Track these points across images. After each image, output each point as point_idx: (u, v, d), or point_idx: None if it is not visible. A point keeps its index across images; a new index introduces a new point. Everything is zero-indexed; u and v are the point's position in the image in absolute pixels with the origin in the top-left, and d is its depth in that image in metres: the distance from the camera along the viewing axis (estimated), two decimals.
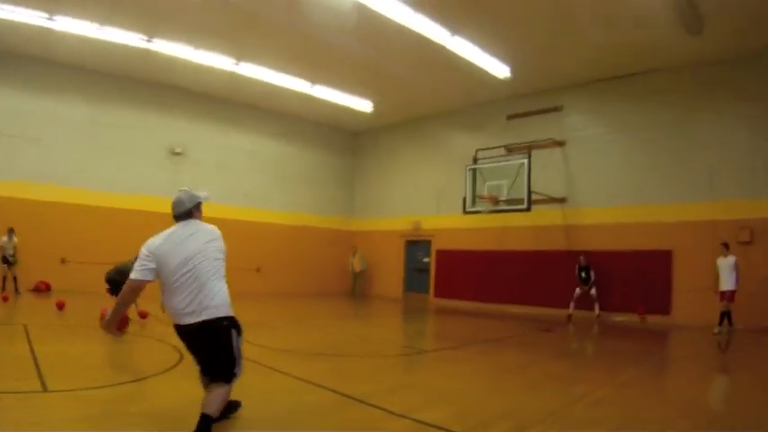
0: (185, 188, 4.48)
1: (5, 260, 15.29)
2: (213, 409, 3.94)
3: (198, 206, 4.42)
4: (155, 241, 4.13)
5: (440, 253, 20.56)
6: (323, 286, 22.69)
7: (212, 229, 4.36)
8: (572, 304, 15.66)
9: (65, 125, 17.08)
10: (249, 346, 7.39)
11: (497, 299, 17.98)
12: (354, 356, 8.50)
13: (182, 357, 6.88)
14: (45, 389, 5.34)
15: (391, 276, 22.53)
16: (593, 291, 15.66)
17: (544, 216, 16.91)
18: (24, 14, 13.64)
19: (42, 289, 16.12)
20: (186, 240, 4.11)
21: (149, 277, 4.05)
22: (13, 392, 5.07)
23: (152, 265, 4.02)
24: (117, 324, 4.64)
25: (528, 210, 15.64)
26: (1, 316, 11.17)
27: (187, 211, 4.33)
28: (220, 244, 4.31)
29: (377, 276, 23.07)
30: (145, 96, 18.82)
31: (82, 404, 4.97)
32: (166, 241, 4.10)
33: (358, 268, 22.60)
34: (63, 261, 16.46)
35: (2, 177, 15.84)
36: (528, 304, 17.16)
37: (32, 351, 7.18)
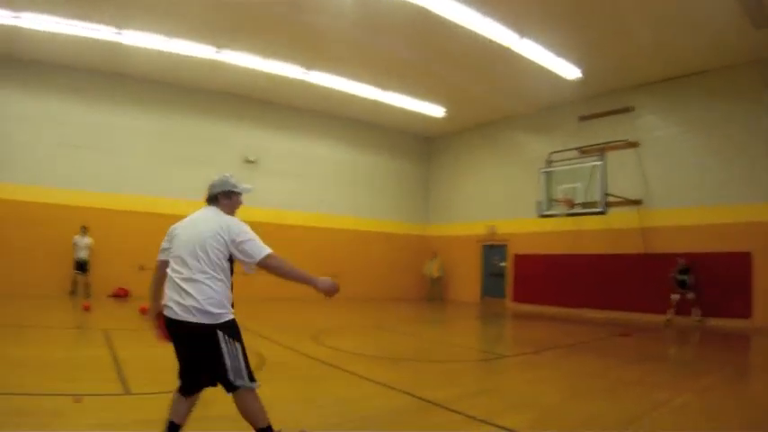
0: (227, 173, 4.27)
1: (79, 266, 15.96)
2: None
3: (227, 194, 4.10)
4: (177, 224, 3.99)
5: (516, 257, 20.36)
6: (399, 291, 22.85)
7: (226, 220, 3.87)
8: (670, 311, 15.02)
9: (139, 137, 18.00)
10: (329, 351, 7.66)
11: (574, 303, 17.70)
12: (434, 361, 8.58)
13: (262, 361, 7.17)
14: (127, 391, 5.63)
15: (468, 281, 22.47)
16: (690, 294, 14.87)
17: (619, 218, 16.57)
18: (95, 30, 14.38)
19: (121, 295, 16.88)
20: (193, 225, 3.85)
21: (161, 257, 3.95)
22: (96, 394, 5.34)
23: (166, 245, 3.92)
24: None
25: (603, 213, 15.42)
26: (81, 321, 11.62)
27: (213, 196, 4.08)
28: (227, 238, 3.72)
29: (453, 281, 23.02)
30: (217, 106, 19.55)
31: (163, 407, 5.20)
32: (182, 225, 3.94)
33: (437, 274, 22.62)
34: (141, 268, 17.20)
35: (82, 188, 16.83)
36: (605, 308, 16.81)
37: (114, 355, 7.54)
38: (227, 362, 3.58)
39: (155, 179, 17.83)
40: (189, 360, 3.76)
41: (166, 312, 3.62)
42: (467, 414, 5.16)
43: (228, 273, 3.73)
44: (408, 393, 5.98)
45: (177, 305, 3.54)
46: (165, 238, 3.97)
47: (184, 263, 3.64)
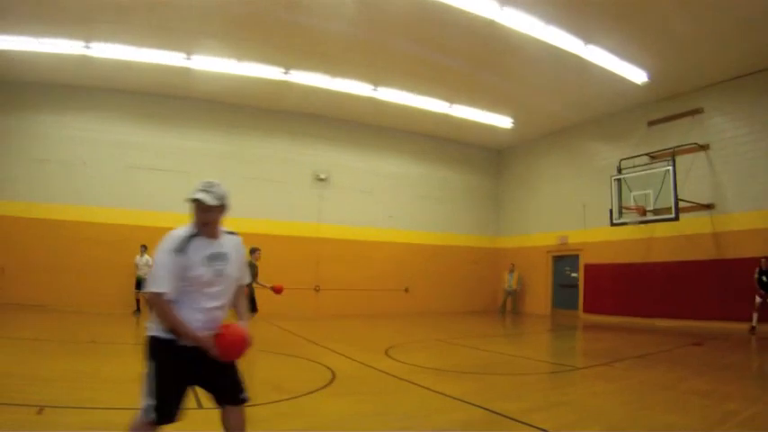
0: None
1: (138, 285, 16.39)
2: None
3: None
4: None
5: (588, 267, 20.12)
6: (470, 304, 22.93)
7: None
8: (755, 315, 14.47)
9: (209, 158, 18.83)
10: (400, 365, 7.84)
11: (646, 312, 17.34)
12: (504, 374, 8.64)
13: (333, 377, 7.40)
14: (200, 406, 5.78)
15: (539, 293, 22.36)
16: None
17: (691, 224, 16.21)
18: (164, 56, 15.24)
19: None
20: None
21: None
22: None
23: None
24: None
25: (676, 219, 15.15)
26: None
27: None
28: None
29: (524, 293, 22.91)
30: (286, 126, 20.23)
31: None
32: None
33: (515, 287, 22.54)
34: None
35: (152, 209, 17.65)
36: (677, 317, 16.41)
37: None
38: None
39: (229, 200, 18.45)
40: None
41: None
42: (538, 427, 5.23)
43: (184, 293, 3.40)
44: (479, 406, 6.09)
45: None
46: None
47: None
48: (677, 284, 16.75)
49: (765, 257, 14.56)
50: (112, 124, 17.92)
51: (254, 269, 10.90)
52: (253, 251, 11.16)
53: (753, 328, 14.44)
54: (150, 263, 16.32)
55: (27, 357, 8.34)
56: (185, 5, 12.78)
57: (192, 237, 3.49)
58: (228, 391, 3.58)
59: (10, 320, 13.21)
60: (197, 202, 3.48)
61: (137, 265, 16.57)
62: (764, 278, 14.50)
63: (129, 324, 13.86)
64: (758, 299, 14.48)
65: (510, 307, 22.55)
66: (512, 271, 22.83)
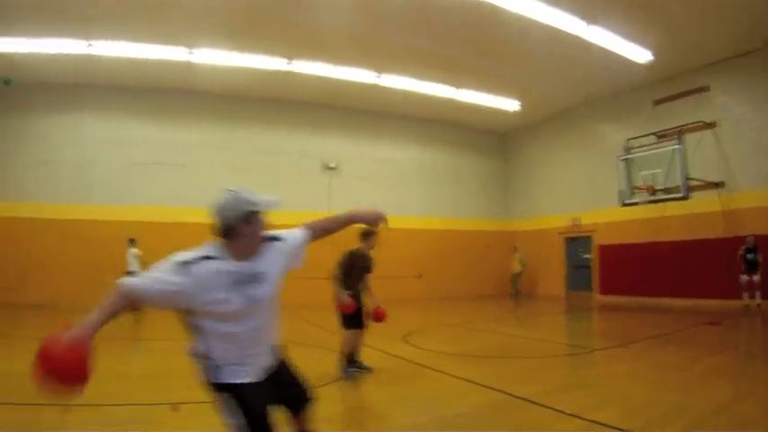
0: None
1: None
2: None
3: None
4: None
5: (601, 248, 20.16)
6: (483, 288, 23.02)
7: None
8: (745, 294, 14.77)
9: (216, 151, 19.12)
10: (418, 351, 7.95)
11: (661, 292, 17.41)
12: (521, 357, 8.74)
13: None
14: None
15: (552, 275, 22.46)
16: (756, 276, 14.60)
17: (701, 203, 16.21)
18: (169, 52, 15.45)
19: None
20: None
21: None
22: (194, 402, 5.46)
23: None
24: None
25: (686, 198, 15.18)
26: (174, 333, 11.93)
27: None
28: None
29: (537, 276, 23.03)
30: (292, 117, 20.37)
31: None
32: None
33: (518, 269, 22.60)
34: None
35: (161, 203, 18.10)
36: (692, 296, 16.48)
37: None
38: None
39: None
40: None
41: None
42: (556, 409, 5.33)
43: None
44: (496, 389, 6.21)
45: None
46: None
47: None
48: (690, 263, 16.78)
49: (752, 235, 15.00)
50: (118, 122, 18.15)
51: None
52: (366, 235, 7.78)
53: (746, 306, 14.76)
54: (138, 254, 16.26)
55: None
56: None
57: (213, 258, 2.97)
58: (300, 396, 3.36)
59: (27, 320, 13.39)
60: (260, 214, 3.07)
61: (127, 260, 16.48)
62: (749, 256, 14.85)
63: (139, 320, 13.92)
64: (743, 277, 14.86)
65: (518, 290, 22.60)
66: (515, 252, 22.95)
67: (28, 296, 16.18)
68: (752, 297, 14.72)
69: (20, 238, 16.73)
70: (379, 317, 7.62)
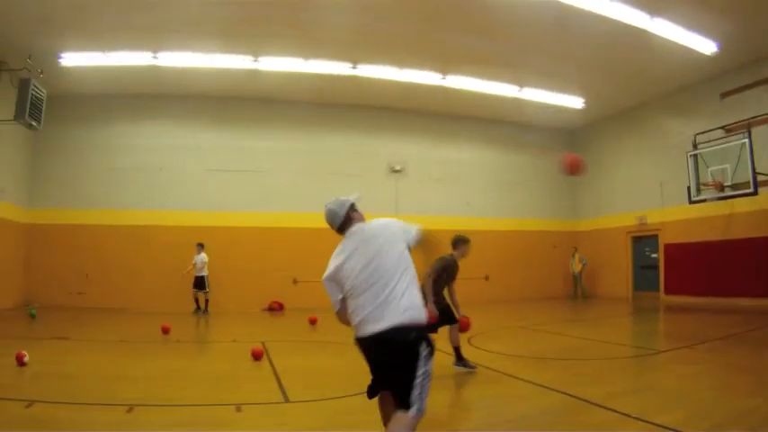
0: (331, 200, 4.02)
1: (198, 283, 16.90)
2: None
3: (353, 207, 3.96)
4: (330, 265, 3.76)
5: (668, 247, 19.62)
6: (548, 290, 22.73)
7: (384, 222, 3.83)
8: None
9: (285, 156, 19.61)
10: (483, 353, 8.02)
11: (729, 291, 16.78)
12: (585, 360, 8.71)
13: None
14: (286, 399, 6.18)
15: (618, 275, 21.98)
16: None
17: None
18: (232, 60, 15.92)
19: (276, 308, 18.09)
20: (361, 246, 3.65)
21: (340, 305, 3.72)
22: (258, 403, 5.94)
23: (338, 291, 3.70)
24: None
25: (755, 193, 14.72)
26: (237, 335, 12.06)
27: (347, 218, 3.87)
28: (398, 230, 3.77)
29: (603, 276, 22.64)
30: (358, 120, 20.70)
31: (321, 413, 5.64)
32: (338, 258, 3.71)
33: (578, 269, 22.34)
34: (295, 282, 18.28)
35: (232, 209, 18.68)
36: (761, 296, 15.81)
37: (272, 365, 8.22)
38: (419, 381, 3.36)
39: (302, 196, 18.97)
40: (385, 375, 3.59)
41: (366, 331, 3.46)
42: (621, 412, 5.30)
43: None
44: (561, 392, 6.21)
45: (383, 316, 3.40)
46: (329, 290, 3.76)
47: (378, 274, 3.50)
48: (760, 261, 16.15)
49: None
50: (185, 130, 18.92)
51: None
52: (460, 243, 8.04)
53: None
54: (206, 260, 16.84)
55: (114, 358, 8.82)
56: (249, 7, 13.25)
57: None
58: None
59: (95, 323, 13.92)
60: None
61: (195, 265, 16.99)
62: None
63: (207, 324, 14.31)
64: None
65: (578, 290, 22.39)
66: (574, 254, 22.66)
67: (94, 300, 17.01)
68: None
69: (89, 244, 17.63)
70: (463, 327, 7.82)
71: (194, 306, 17.08)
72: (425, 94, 19.03)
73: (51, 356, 8.69)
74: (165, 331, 11.72)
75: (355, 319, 3.52)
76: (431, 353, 3.45)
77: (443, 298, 7.74)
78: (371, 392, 3.67)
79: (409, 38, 15.04)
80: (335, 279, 3.69)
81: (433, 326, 7.21)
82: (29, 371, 7.47)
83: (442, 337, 7.01)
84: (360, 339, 3.54)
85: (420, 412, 3.29)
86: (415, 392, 3.29)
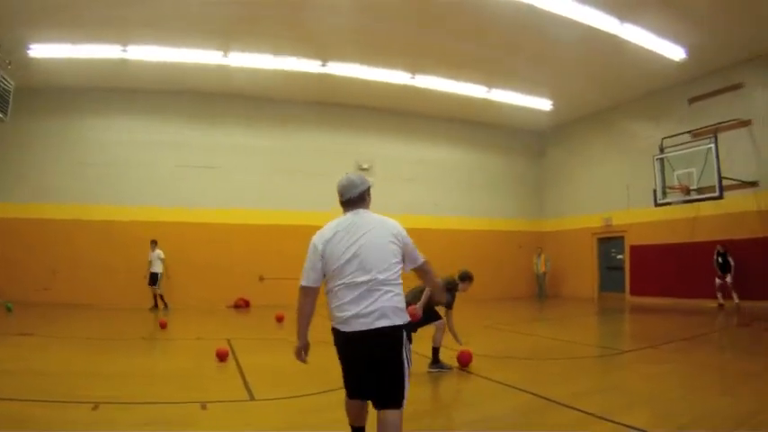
0: (352, 172, 3.92)
1: (153, 279, 16.77)
2: None
3: (369, 190, 3.82)
4: (324, 233, 3.63)
5: (633, 249, 19.93)
6: (513, 290, 22.80)
7: (394, 224, 3.68)
8: (718, 294, 16.18)
9: (253, 154, 19.46)
10: (450, 353, 8.02)
11: (694, 293, 17.12)
12: (550, 359, 8.75)
13: None
14: (252, 398, 6.15)
15: (584, 276, 22.19)
16: (728, 278, 15.85)
17: (736, 202, 15.89)
18: (201, 55, 15.68)
19: (242, 305, 17.93)
20: (363, 237, 3.53)
21: (311, 282, 3.59)
22: (223, 401, 5.90)
23: (319, 265, 3.56)
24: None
25: (720, 197, 14.97)
26: (203, 332, 12.08)
27: (360, 196, 3.75)
28: (407, 243, 3.68)
29: (568, 276, 22.86)
30: (326, 118, 20.52)
31: (287, 411, 5.62)
32: (337, 235, 3.57)
33: (543, 269, 22.51)
34: (261, 279, 18.17)
35: (201, 206, 18.50)
36: (725, 297, 16.21)
37: (238, 363, 8.15)
38: (406, 373, 3.47)
39: (271, 193, 18.95)
40: (373, 375, 3.49)
41: (352, 327, 3.40)
42: (586, 411, 5.34)
43: None
44: (527, 391, 6.24)
45: (374, 314, 3.38)
46: (312, 258, 3.60)
47: (368, 272, 3.43)
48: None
49: (721, 242, 16.26)
50: (155, 125, 18.60)
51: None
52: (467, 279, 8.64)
53: (720, 305, 16.11)
54: (162, 256, 16.71)
55: (80, 355, 8.67)
56: (220, 4, 13.10)
57: None
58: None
59: (62, 320, 13.68)
60: None
61: (150, 262, 16.84)
62: (720, 260, 16.22)
63: (169, 319, 14.07)
64: (717, 280, 16.24)
65: (543, 291, 22.55)
66: (539, 254, 22.79)
67: (62, 296, 16.60)
68: (726, 297, 16.12)
69: (58, 239, 17.19)
70: (465, 360, 7.75)
71: (152, 303, 16.94)
72: (395, 93, 18.98)
73: (15, 352, 8.58)
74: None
75: (344, 314, 3.43)
76: (409, 349, 3.55)
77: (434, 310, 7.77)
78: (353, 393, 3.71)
79: (379, 36, 14.98)
80: (325, 249, 3.55)
81: (414, 325, 7.21)
82: None
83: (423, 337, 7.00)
84: (347, 334, 3.45)
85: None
86: (405, 389, 3.43)
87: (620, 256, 20.95)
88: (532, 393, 6.16)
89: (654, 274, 18.74)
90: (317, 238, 3.62)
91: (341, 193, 3.76)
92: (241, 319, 15.81)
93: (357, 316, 3.38)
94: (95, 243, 17.31)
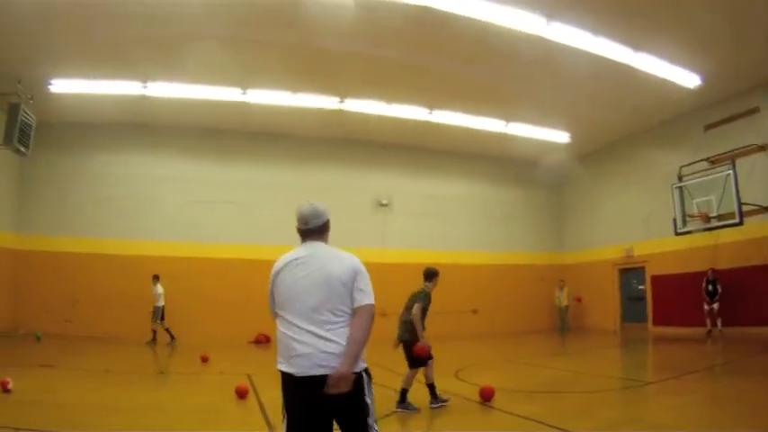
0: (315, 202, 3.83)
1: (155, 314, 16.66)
2: None
3: (328, 225, 3.81)
4: (277, 264, 3.59)
5: (655, 279, 19.67)
6: (535, 323, 22.62)
7: (351, 264, 3.41)
8: (707, 321, 16.57)
9: (271, 190, 19.46)
10: (470, 387, 7.98)
11: (715, 322, 16.75)
12: (575, 392, 8.68)
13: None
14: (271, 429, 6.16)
15: (606, 307, 21.89)
16: (715, 305, 16.22)
17: (757, 228, 15.56)
18: (220, 92, 15.95)
19: (262, 341, 17.83)
20: (321, 265, 3.38)
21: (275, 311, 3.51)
22: None
23: (272, 301, 3.58)
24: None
25: (740, 224, 14.80)
26: (226, 367, 11.98)
27: (322, 227, 3.75)
28: (363, 282, 3.37)
29: (590, 308, 22.55)
30: (344, 154, 20.66)
31: None
32: (288, 266, 3.50)
33: (566, 302, 22.32)
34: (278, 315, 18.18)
35: (217, 241, 18.65)
36: (748, 324, 15.80)
37: (258, 398, 8.16)
38: (370, 407, 3.22)
39: (290, 229, 18.81)
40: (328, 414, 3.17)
41: (290, 369, 3.15)
42: None
43: None
44: (552, 426, 6.19)
45: (310, 357, 3.10)
46: (269, 287, 3.61)
47: (316, 310, 3.21)
48: (746, 291, 16.15)
49: (711, 269, 16.65)
50: (172, 160, 18.89)
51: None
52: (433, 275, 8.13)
53: (709, 331, 16.50)
54: (161, 291, 16.69)
55: (100, 388, 8.76)
56: (238, 42, 13.38)
57: None
58: None
59: (82, 352, 13.82)
60: None
61: (155, 296, 16.76)
62: (710, 287, 16.59)
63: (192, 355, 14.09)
64: (706, 307, 16.64)
65: (565, 324, 22.28)
66: (562, 287, 22.59)
67: (83, 329, 16.71)
68: (713, 324, 16.43)
69: (77, 271, 17.39)
70: (421, 352, 7.36)
71: (168, 337, 16.86)
72: (413, 128, 19.10)
73: (36, 384, 8.64)
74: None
75: (289, 351, 3.18)
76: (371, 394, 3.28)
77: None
78: None
79: (397, 72, 15.17)
80: (275, 279, 3.52)
81: (419, 360, 7.35)
82: (12, 398, 7.41)
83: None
84: (295, 378, 3.13)
85: None
86: None
87: (641, 287, 20.68)
88: (554, 427, 6.12)
89: (676, 304, 18.48)
90: (273, 267, 3.58)
91: (303, 221, 3.68)
92: (261, 353, 15.79)
93: (306, 358, 3.11)
94: (113, 276, 17.46)
